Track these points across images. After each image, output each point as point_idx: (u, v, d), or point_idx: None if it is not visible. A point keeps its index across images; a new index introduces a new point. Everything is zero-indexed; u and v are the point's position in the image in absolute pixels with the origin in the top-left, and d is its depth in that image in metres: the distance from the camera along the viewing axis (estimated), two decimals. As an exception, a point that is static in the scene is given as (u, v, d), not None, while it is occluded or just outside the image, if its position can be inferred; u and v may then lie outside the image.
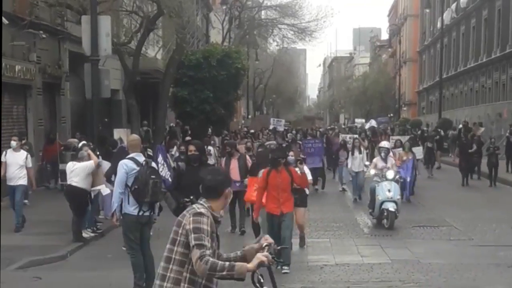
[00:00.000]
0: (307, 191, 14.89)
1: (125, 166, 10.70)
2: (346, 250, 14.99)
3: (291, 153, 15.48)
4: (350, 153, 24.21)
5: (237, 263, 5.53)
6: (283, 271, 12.47)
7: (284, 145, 25.99)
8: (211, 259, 5.37)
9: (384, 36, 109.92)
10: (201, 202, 5.72)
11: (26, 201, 19.80)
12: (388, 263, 13.51)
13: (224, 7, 46.92)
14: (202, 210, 5.60)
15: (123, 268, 11.82)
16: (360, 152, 23.79)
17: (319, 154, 26.14)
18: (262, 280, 5.65)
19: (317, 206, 21.81)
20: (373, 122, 55.40)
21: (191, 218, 5.54)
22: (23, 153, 16.73)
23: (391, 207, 17.19)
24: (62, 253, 14.05)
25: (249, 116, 63.07)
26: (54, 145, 23.20)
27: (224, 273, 5.39)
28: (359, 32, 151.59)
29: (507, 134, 32.29)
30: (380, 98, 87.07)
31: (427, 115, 70.77)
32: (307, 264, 13.62)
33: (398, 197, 17.70)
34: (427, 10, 63.93)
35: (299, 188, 13.93)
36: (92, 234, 16.11)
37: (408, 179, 21.72)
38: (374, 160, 19.58)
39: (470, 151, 28.35)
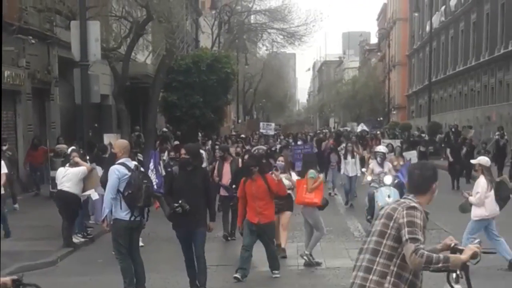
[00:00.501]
0: (293, 196, 14.49)
1: (117, 171, 10.70)
2: (336, 254, 15.02)
3: (280, 158, 15.11)
4: (342, 157, 23.90)
5: (451, 255, 5.49)
6: (274, 275, 12.53)
7: (274, 148, 25.88)
8: (426, 252, 5.31)
9: (373, 40, 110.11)
10: (409, 197, 5.65)
11: (16, 205, 19.81)
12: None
13: (214, 11, 46.97)
14: (415, 204, 5.53)
15: (114, 273, 11.79)
16: (352, 157, 23.48)
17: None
18: (460, 277, 5.63)
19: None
20: (364, 126, 55.56)
21: (404, 212, 5.46)
22: None
23: None
24: (53, 259, 14.02)
25: (239, 121, 63.03)
26: (38, 151, 23.22)
27: (440, 265, 5.35)
28: (348, 36, 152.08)
29: (496, 137, 32.41)
30: (370, 102, 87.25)
31: (417, 118, 70.95)
32: (298, 268, 13.63)
33: None
34: (416, 14, 64.14)
35: (285, 194, 13.77)
36: (82, 240, 16.07)
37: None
38: (370, 165, 18.95)
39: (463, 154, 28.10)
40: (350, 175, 23.02)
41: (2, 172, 15.87)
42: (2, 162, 16.18)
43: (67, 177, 15.08)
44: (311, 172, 14.07)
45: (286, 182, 13.91)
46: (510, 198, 13.45)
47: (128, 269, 10.95)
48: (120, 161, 10.91)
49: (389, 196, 16.83)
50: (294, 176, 14.97)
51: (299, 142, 27.51)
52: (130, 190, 10.60)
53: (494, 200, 12.92)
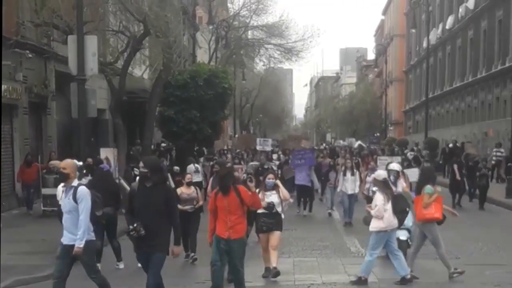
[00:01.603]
0: (282, 215, 14.14)
1: (90, 194, 10.65)
2: (333, 269, 14.97)
3: (270, 176, 14.31)
4: (342, 174, 22.63)
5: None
6: None
7: (267, 166, 24.39)
8: None
9: (371, 56, 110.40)
10: None
11: None
12: (375, 282, 13.49)
13: (211, 27, 47.05)
14: None
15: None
16: (352, 174, 22.41)
17: (311, 162, 25.15)
18: None
19: (304, 225, 21.89)
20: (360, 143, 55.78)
21: None
22: None
23: (402, 235, 15.31)
24: (48, 273, 13.86)
25: (236, 136, 63.03)
26: (31, 168, 22.73)
27: None
28: (346, 52, 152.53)
29: (494, 153, 32.46)
30: (367, 118, 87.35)
31: (414, 134, 71.03)
32: (294, 283, 13.58)
33: (411, 224, 15.55)
34: (413, 30, 64.29)
35: (275, 212, 13.70)
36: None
37: None
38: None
39: (478, 173, 27.11)
40: (349, 193, 22.09)
41: None
42: None
43: None
44: (428, 188, 13.69)
45: (275, 200, 13.78)
46: (407, 211, 13.62)
47: (108, 283, 11.05)
48: (79, 183, 10.72)
49: None
50: (283, 190, 14.31)
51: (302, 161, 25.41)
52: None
53: (392, 213, 13.11)
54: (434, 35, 61.58)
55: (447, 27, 59.40)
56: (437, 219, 13.63)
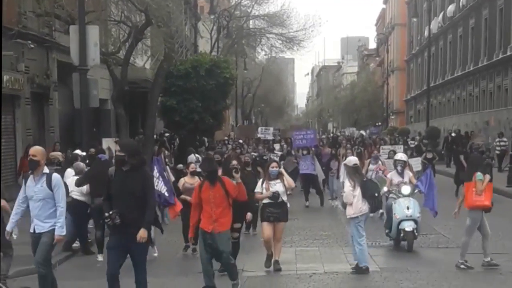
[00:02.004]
0: (288, 204, 13.92)
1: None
2: (335, 259, 15.03)
3: (273, 164, 13.97)
4: (343, 164, 22.42)
5: None
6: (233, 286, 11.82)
7: (266, 157, 24.49)
8: None
9: (372, 45, 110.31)
10: None
11: None
12: (377, 271, 13.55)
13: (212, 16, 46.97)
14: None
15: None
16: None
17: (312, 143, 24.67)
18: None
19: (306, 215, 21.92)
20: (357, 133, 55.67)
21: None
22: None
23: (408, 226, 15.39)
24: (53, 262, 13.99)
25: (238, 125, 62.99)
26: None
27: None
28: (347, 41, 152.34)
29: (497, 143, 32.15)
30: (368, 107, 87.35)
31: (415, 123, 71.03)
32: (296, 272, 13.64)
33: (418, 214, 15.66)
34: (415, 19, 64.13)
35: (280, 201, 13.40)
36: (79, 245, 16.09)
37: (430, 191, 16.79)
38: (389, 175, 17.07)
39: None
40: None
41: None
42: None
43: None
44: (479, 175, 13.57)
45: (281, 189, 13.45)
46: (376, 196, 13.72)
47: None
48: (50, 171, 10.65)
49: (408, 208, 15.65)
50: (288, 179, 13.99)
51: (305, 152, 24.53)
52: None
53: (360, 199, 13.32)
54: (436, 24, 61.47)
55: (448, 15, 59.30)
56: (487, 206, 13.62)
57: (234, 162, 13.60)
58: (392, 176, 16.67)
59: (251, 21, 53.99)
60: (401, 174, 16.55)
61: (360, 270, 13.28)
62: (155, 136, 33.47)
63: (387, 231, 16.38)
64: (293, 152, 26.84)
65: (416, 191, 16.20)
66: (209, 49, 47.30)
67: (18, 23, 22.85)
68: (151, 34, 28.90)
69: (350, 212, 13.45)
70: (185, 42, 40.86)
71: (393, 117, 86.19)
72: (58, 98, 26.85)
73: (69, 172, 16.64)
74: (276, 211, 13.43)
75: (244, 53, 58.23)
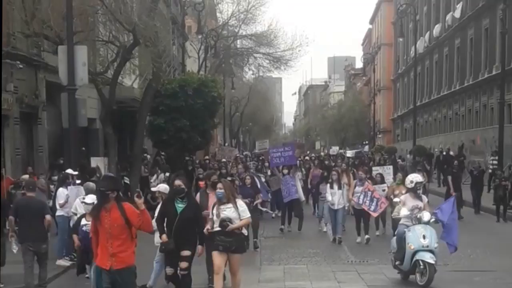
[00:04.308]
0: (245, 232, 12.21)
1: None
2: (323, 276, 15.10)
3: (219, 185, 11.97)
4: (328, 186, 20.12)
5: None
6: None
7: (242, 176, 21.39)
8: None
9: (359, 64, 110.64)
10: None
11: None
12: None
13: (200, 36, 47.15)
14: None
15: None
16: (340, 187, 19.94)
17: (290, 161, 22.62)
18: None
19: (294, 233, 21.96)
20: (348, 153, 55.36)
21: None
22: None
23: (428, 258, 13.55)
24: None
25: (226, 144, 62.91)
26: (3, 183, 19.96)
27: None
28: (334, 61, 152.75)
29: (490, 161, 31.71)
30: (356, 126, 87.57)
31: (402, 142, 71.26)
32: (285, 290, 13.71)
33: (436, 245, 13.91)
34: (401, 39, 64.33)
35: (234, 230, 11.55)
36: (70, 263, 16.12)
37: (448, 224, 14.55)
38: (402, 197, 14.94)
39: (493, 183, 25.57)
40: (336, 207, 19.85)
41: None
42: None
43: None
44: None
45: (232, 215, 11.65)
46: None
47: None
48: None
49: (424, 237, 13.81)
50: (241, 206, 11.95)
51: (285, 171, 22.35)
52: None
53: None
54: (422, 43, 61.90)
55: (434, 35, 59.76)
56: None
57: (214, 177, 13.39)
58: (406, 199, 14.63)
59: (238, 41, 54.21)
60: (418, 197, 14.57)
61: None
62: (148, 156, 33.53)
63: (397, 262, 14.50)
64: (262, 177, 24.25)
65: (432, 219, 14.32)
66: (196, 69, 47.49)
67: (7, 43, 22.90)
68: (139, 54, 29.03)
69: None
70: (173, 61, 41.05)
71: (380, 135, 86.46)
72: (47, 118, 26.86)
73: (61, 191, 16.71)
74: (228, 239, 11.54)
75: (232, 73, 58.46)
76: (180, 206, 11.60)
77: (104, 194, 9.52)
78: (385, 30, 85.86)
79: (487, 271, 15.24)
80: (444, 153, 42.22)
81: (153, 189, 13.50)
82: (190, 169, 30.50)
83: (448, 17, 54.50)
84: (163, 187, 13.61)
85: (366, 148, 68.51)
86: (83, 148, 27.62)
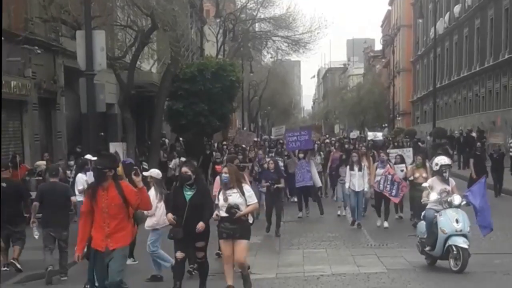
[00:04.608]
0: (250, 220, 11.87)
1: None
2: (342, 260, 15.07)
3: (224, 169, 11.77)
4: (348, 168, 19.86)
5: None
6: None
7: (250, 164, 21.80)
8: None
9: (378, 46, 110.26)
10: None
11: None
12: (384, 272, 13.57)
13: (218, 20, 47.04)
14: None
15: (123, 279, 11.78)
16: (360, 169, 19.68)
17: (307, 145, 21.97)
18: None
19: (312, 217, 21.90)
20: (378, 135, 54.74)
21: None
22: None
23: (462, 242, 13.10)
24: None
25: (244, 128, 62.78)
26: (19, 171, 19.89)
27: None
28: (353, 43, 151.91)
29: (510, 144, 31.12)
30: (375, 108, 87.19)
31: (422, 124, 71.01)
32: (304, 274, 13.67)
33: (469, 229, 13.45)
34: (420, 20, 64.10)
35: (239, 217, 11.25)
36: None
37: (481, 206, 14.05)
38: (429, 181, 14.48)
39: None
40: (357, 189, 19.60)
41: None
42: None
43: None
44: None
45: (237, 200, 11.35)
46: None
47: None
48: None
49: (457, 221, 13.32)
50: (248, 191, 11.66)
51: (301, 155, 21.87)
52: None
53: (164, 211, 12.13)
54: (441, 24, 61.47)
55: (454, 16, 59.29)
56: None
57: (237, 160, 13.26)
58: (433, 182, 14.14)
59: (257, 24, 54.08)
60: (445, 180, 14.06)
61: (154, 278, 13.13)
62: (166, 141, 33.51)
63: (427, 248, 13.92)
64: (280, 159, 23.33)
65: (463, 203, 13.86)
66: (215, 53, 47.38)
67: (25, 29, 22.95)
68: (157, 38, 29.00)
69: (153, 223, 13.05)
70: (191, 45, 40.96)
71: (399, 118, 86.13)
72: (65, 103, 26.95)
73: (80, 177, 16.75)
74: (232, 226, 11.28)
75: (250, 56, 58.25)
76: (188, 193, 11.27)
77: (101, 173, 9.40)
78: (404, 11, 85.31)
79: (508, 253, 15.13)
80: (465, 134, 41.29)
81: (145, 173, 13.27)
82: (208, 153, 30.48)
83: (468, -3, 54.07)
84: (155, 172, 13.59)
85: (385, 131, 67.91)
86: (102, 134, 27.72)
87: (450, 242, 13.20)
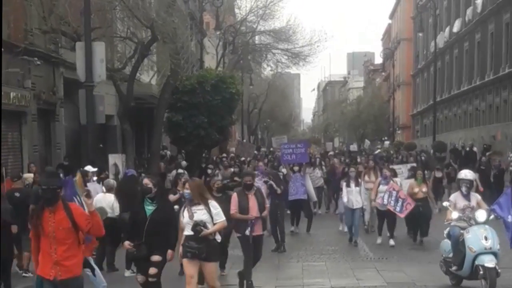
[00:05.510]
0: (218, 238, 10.88)
1: None
2: (341, 273, 15.00)
3: (187, 185, 11.35)
4: (345, 184, 19.40)
5: None
6: None
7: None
8: None
9: (378, 60, 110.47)
10: None
11: None
12: (384, 286, 13.51)
13: (218, 32, 47.10)
14: None
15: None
16: (357, 185, 19.21)
17: (303, 159, 21.00)
18: None
19: (312, 230, 21.79)
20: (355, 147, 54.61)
21: None
22: None
23: (489, 261, 12.21)
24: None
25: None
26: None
27: None
28: (353, 56, 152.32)
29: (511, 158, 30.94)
30: (374, 122, 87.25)
31: (422, 138, 70.93)
32: (303, 287, 13.61)
33: (498, 246, 12.54)
34: (420, 34, 64.19)
35: (206, 236, 10.45)
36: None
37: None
38: (452, 197, 13.86)
39: None
40: (354, 207, 19.06)
41: None
42: None
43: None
44: None
45: (203, 217, 10.58)
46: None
47: None
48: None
49: (486, 239, 12.44)
50: (215, 209, 10.78)
51: (296, 168, 21.07)
52: None
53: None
54: (442, 38, 61.52)
55: (454, 30, 59.34)
56: None
57: (249, 177, 12.67)
58: (456, 198, 13.51)
59: (256, 37, 54.10)
60: (466, 196, 13.42)
61: None
62: (168, 152, 33.42)
63: (454, 268, 13.14)
64: (282, 170, 22.40)
65: (491, 217, 13.01)
66: (215, 65, 47.41)
67: (24, 40, 22.95)
68: (157, 50, 29.00)
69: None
70: (191, 57, 40.90)
71: (399, 131, 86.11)
72: (65, 115, 26.93)
73: None
74: (198, 245, 10.44)
75: (250, 69, 58.29)
76: (149, 208, 10.41)
77: (54, 192, 8.43)
78: (404, 25, 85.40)
79: (509, 268, 15.00)
80: (468, 148, 40.97)
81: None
82: (204, 167, 30.41)
83: (468, 11, 54.09)
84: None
85: (386, 144, 67.80)
86: (101, 145, 27.65)
87: (477, 261, 12.37)
